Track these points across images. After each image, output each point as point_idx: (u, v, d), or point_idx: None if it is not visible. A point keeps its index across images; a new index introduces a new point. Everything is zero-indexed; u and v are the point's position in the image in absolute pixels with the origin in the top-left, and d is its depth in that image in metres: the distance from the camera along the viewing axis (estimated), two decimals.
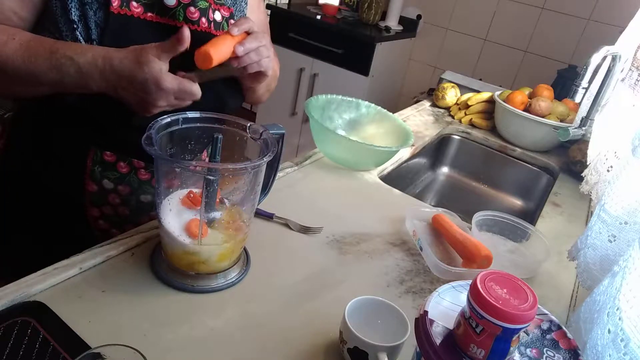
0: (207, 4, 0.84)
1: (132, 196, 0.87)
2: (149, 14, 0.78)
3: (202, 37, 0.82)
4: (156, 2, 0.79)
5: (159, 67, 0.68)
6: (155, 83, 0.68)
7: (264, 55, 0.79)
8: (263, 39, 0.79)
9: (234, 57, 0.76)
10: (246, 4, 0.94)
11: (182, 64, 0.72)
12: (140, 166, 0.85)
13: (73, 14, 0.73)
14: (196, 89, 0.72)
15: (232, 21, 0.90)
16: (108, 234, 0.87)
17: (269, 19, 1.07)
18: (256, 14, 0.98)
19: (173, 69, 0.71)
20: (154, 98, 0.70)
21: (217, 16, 0.86)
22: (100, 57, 0.70)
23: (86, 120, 0.81)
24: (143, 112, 0.72)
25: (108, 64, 0.69)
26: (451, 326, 0.51)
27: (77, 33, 0.74)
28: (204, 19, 0.83)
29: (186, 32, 0.68)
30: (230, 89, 0.88)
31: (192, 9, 0.81)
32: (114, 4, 0.74)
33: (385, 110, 1.32)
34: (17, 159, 0.88)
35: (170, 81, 0.69)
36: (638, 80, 0.98)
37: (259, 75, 0.83)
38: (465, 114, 1.75)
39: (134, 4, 0.76)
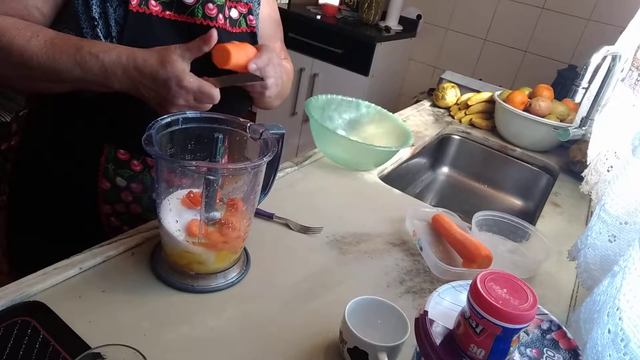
0: (223, 1, 0.85)
1: (144, 194, 0.88)
2: (167, 12, 0.79)
3: (218, 34, 0.83)
4: (175, 0, 0.80)
5: (182, 66, 0.70)
6: (176, 81, 0.69)
7: (269, 74, 0.81)
8: (274, 57, 0.80)
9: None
10: (259, 4, 0.94)
11: (201, 70, 0.73)
12: (153, 165, 0.86)
13: (94, 11, 0.74)
14: (216, 93, 0.73)
15: (250, 17, 0.90)
16: (119, 231, 0.88)
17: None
18: (268, 11, 0.99)
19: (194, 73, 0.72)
20: (174, 96, 0.71)
21: (234, 13, 0.87)
22: (124, 55, 0.71)
23: (101, 118, 0.82)
24: (162, 112, 0.73)
25: (132, 61, 0.71)
26: (451, 326, 0.51)
27: (98, 30, 0.75)
28: (220, 16, 0.84)
29: (214, 34, 0.71)
30: (238, 94, 0.88)
31: (210, 5, 0.82)
32: (132, 2, 0.75)
33: (385, 110, 1.32)
34: (31, 157, 0.89)
35: (191, 80, 0.70)
36: (638, 80, 0.98)
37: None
38: (465, 114, 1.75)
39: (153, 2, 0.78)
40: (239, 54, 0.75)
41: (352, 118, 1.32)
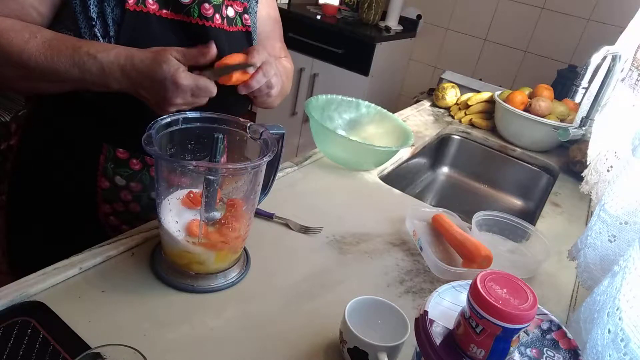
0: (221, 1, 0.85)
1: (143, 193, 0.88)
2: (164, 11, 0.80)
3: (215, 34, 0.83)
4: None
5: (177, 65, 0.70)
6: (173, 80, 0.69)
7: (271, 74, 0.80)
8: (271, 70, 0.80)
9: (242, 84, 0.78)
10: (256, 2, 0.94)
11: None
12: (153, 164, 0.86)
13: (92, 10, 0.75)
14: (212, 86, 0.73)
15: (245, 16, 0.90)
16: (119, 230, 0.88)
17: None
18: (267, 10, 0.99)
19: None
20: (171, 96, 0.71)
21: (230, 12, 0.87)
22: (122, 56, 0.71)
23: (100, 117, 0.82)
24: (161, 111, 0.73)
25: (130, 61, 0.71)
26: (451, 326, 0.51)
27: (95, 30, 0.75)
28: (217, 16, 0.84)
29: (213, 48, 0.71)
30: (234, 95, 0.88)
31: (206, 5, 0.82)
32: (129, 1, 0.75)
33: (385, 110, 1.32)
34: (30, 157, 0.89)
35: (187, 78, 0.70)
36: (638, 80, 0.98)
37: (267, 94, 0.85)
38: (465, 114, 1.75)
39: (150, 0, 0.78)
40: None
41: (352, 118, 1.32)
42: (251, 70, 0.78)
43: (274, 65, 0.82)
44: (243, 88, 0.78)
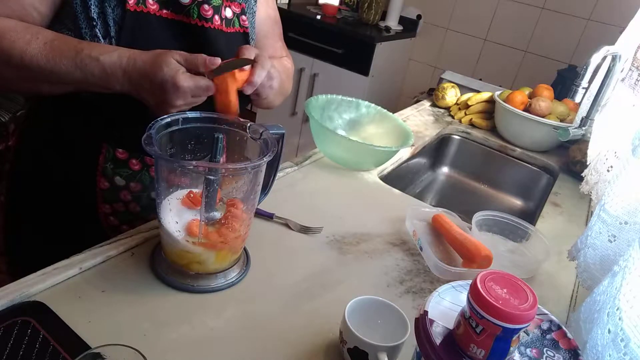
0: (220, 2, 0.85)
1: (143, 193, 0.88)
2: (165, 11, 0.80)
3: (214, 35, 0.83)
4: (171, 0, 0.80)
5: (177, 67, 0.70)
6: (173, 82, 0.69)
7: (268, 66, 0.80)
8: (267, 62, 0.79)
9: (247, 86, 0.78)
10: (255, 2, 0.94)
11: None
12: (152, 163, 0.86)
13: (93, 11, 0.75)
14: (212, 84, 0.73)
15: (243, 17, 0.90)
16: (118, 230, 0.88)
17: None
18: (265, 9, 0.99)
19: None
20: (172, 98, 0.71)
21: (228, 13, 0.87)
22: (125, 57, 0.71)
23: (99, 117, 0.82)
24: (162, 113, 0.73)
25: (132, 63, 0.71)
26: (451, 326, 0.51)
27: (96, 30, 0.75)
28: (217, 17, 0.84)
29: (217, 61, 0.71)
30: None
31: (206, 6, 0.82)
32: (130, 2, 0.75)
33: (385, 110, 1.32)
34: (30, 157, 0.89)
35: (187, 80, 0.70)
36: (638, 80, 0.98)
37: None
38: (465, 114, 1.75)
39: (150, 1, 0.78)
40: (235, 97, 0.76)
41: (352, 118, 1.32)
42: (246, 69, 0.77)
43: (267, 58, 0.81)
44: (248, 87, 0.77)
